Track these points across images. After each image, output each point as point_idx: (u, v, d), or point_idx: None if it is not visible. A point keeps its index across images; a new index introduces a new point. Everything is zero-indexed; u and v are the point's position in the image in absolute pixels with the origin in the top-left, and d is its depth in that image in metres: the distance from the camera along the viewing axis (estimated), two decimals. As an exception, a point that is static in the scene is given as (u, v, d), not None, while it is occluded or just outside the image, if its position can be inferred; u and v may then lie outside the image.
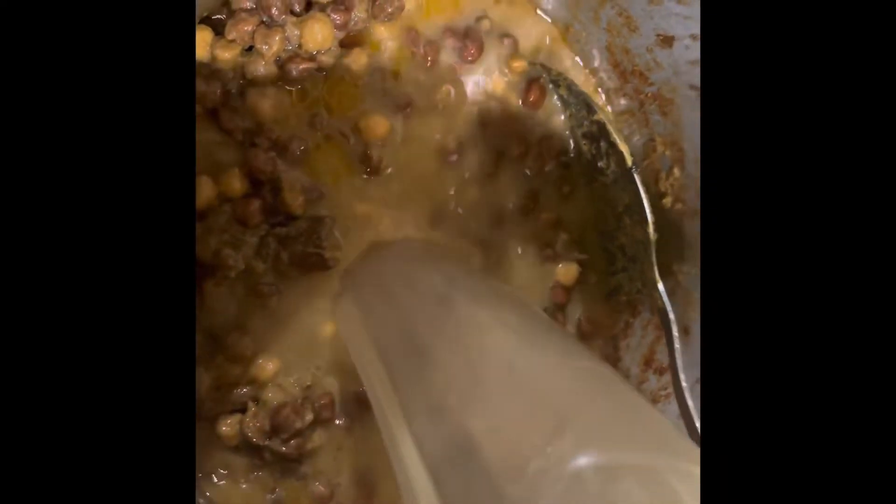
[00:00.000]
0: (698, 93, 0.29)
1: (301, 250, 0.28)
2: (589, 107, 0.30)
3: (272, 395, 0.28)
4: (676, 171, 0.31)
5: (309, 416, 0.28)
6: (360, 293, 0.27)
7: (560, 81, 0.31)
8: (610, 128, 0.29)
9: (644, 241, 0.30)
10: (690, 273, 0.33)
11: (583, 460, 0.17)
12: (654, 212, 0.29)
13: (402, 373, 0.22)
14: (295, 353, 0.28)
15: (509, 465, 0.17)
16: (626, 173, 0.29)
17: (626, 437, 0.19)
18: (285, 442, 0.27)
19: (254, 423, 0.27)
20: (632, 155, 0.29)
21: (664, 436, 0.20)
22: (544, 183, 0.32)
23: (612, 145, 0.29)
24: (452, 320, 0.23)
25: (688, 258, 0.33)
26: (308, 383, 0.28)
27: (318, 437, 0.28)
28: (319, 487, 0.28)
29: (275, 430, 0.27)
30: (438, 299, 0.24)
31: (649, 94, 0.31)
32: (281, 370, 0.28)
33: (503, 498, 0.16)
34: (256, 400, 0.28)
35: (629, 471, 0.17)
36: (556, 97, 0.31)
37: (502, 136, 0.32)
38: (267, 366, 0.28)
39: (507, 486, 0.17)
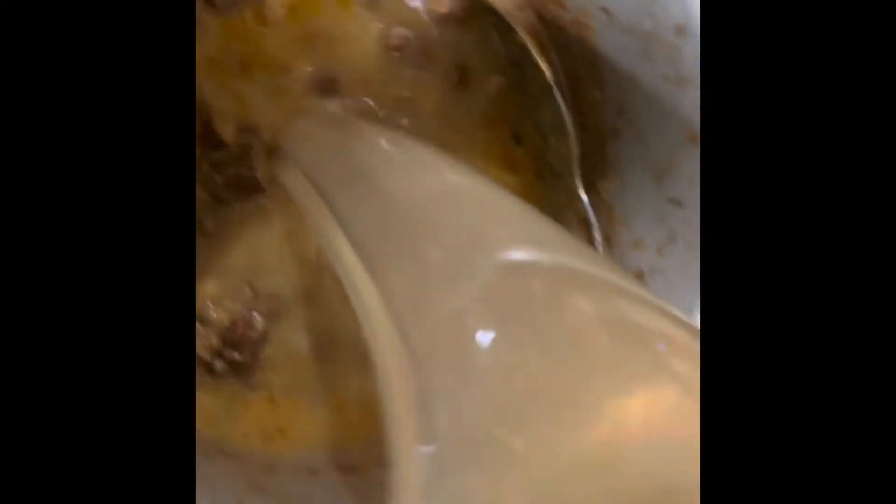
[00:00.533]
0: (609, 16, 0.31)
1: (235, 173, 0.29)
2: (512, 31, 0.31)
3: (216, 315, 0.29)
4: (597, 94, 0.33)
5: (261, 325, 0.29)
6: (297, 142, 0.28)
7: (484, 6, 0.32)
8: (532, 50, 0.31)
9: (567, 157, 0.32)
10: (612, 189, 0.35)
11: (523, 254, 0.16)
12: (575, 129, 0.31)
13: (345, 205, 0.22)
14: (235, 271, 0.30)
15: (455, 267, 0.17)
16: (548, 92, 0.31)
17: (576, 249, 0.19)
18: (239, 352, 0.29)
19: (201, 343, 0.29)
20: (553, 74, 0.31)
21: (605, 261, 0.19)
22: (474, 112, 0.34)
23: (535, 67, 0.31)
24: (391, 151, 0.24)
25: (609, 175, 0.35)
26: (250, 296, 0.30)
27: (269, 346, 0.30)
28: (274, 393, 0.30)
29: (230, 346, 0.29)
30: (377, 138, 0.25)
31: (567, 20, 0.33)
32: (222, 289, 0.30)
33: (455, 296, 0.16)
34: (202, 321, 0.29)
35: (575, 281, 0.16)
36: (480, 23, 0.33)
37: (430, 63, 0.33)
38: (208, 287, 0.29)
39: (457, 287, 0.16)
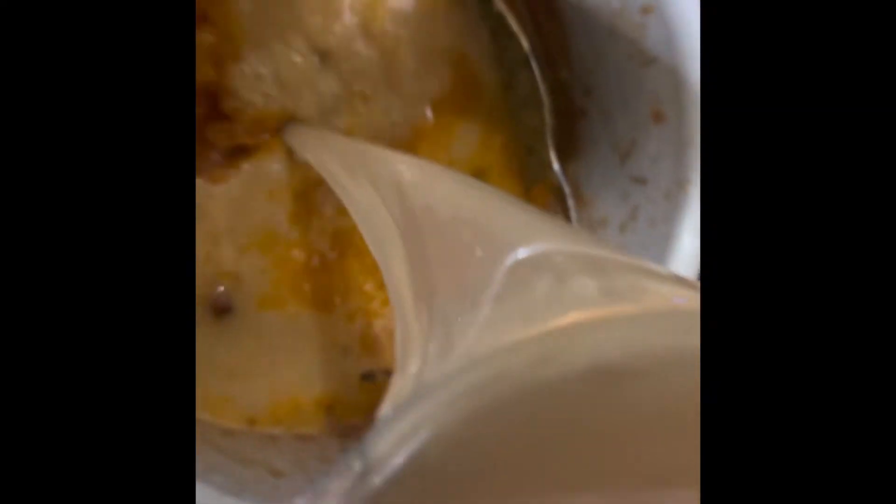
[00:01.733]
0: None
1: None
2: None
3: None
4: (565, 73, 0.35)
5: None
6: None
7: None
8: (509, 19, 0.32)
9: (540, 128, 0.33)
10: (578, 170, 0.36)
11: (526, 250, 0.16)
12: (549, 99, 0.33)
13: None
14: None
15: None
16: (524, 61, 0.32)
17: (573, 237, 0.20)
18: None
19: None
20: (530, 45, 0.32)
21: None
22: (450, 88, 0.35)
23: (511, 36, 0.32)
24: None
25: (575, 156, 0.36)
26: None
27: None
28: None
29: None
30: None
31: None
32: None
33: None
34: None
35: (578, 264, 0.17)
36: None
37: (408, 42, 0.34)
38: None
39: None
